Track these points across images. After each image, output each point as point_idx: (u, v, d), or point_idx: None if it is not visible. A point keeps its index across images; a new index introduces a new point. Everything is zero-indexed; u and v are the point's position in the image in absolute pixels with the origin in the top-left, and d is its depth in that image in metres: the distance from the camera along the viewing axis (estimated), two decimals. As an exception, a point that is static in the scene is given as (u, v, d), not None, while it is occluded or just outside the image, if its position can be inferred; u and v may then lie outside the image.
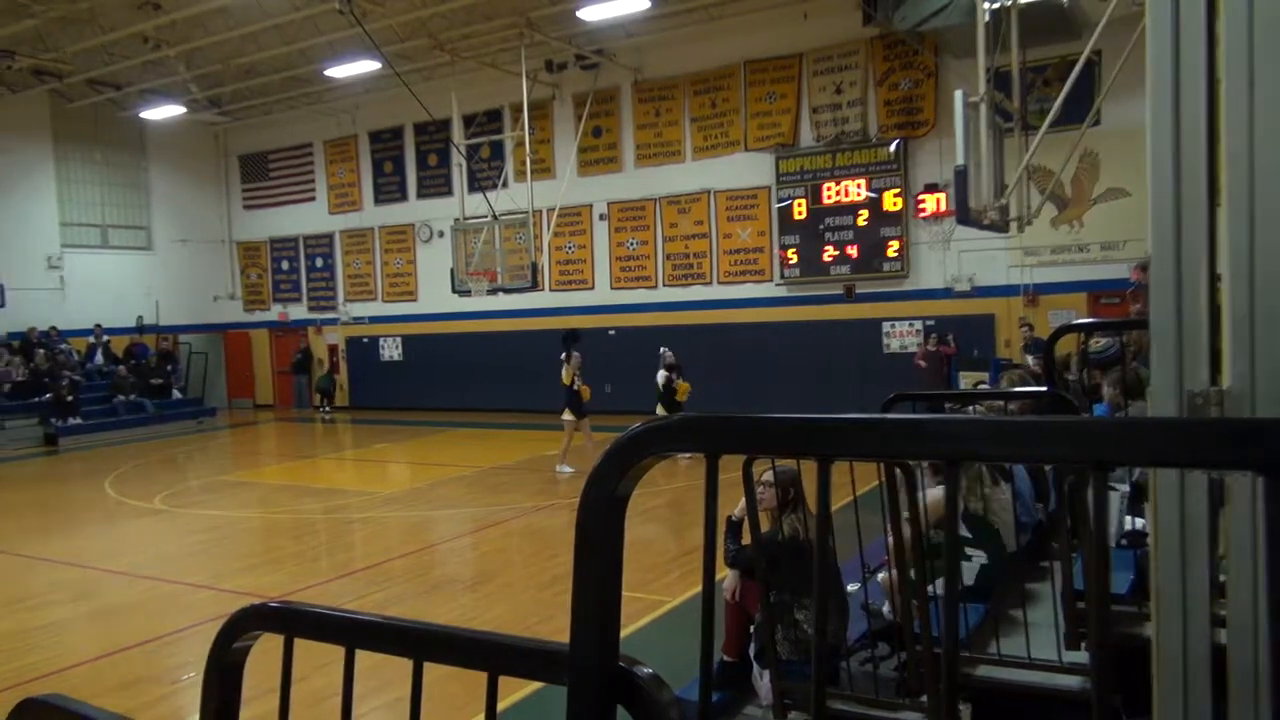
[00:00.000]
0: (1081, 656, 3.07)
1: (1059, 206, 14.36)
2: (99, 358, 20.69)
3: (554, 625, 6.26)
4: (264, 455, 17.79)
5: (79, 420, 18.50)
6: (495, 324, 19.78)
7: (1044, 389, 4.25)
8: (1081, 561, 3.24)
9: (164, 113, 20.29)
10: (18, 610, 7.58)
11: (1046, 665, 3.20)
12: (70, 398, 18.57)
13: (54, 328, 20.10)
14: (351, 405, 22.26)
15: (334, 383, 22.32)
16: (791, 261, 16.65)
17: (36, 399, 18.33)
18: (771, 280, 17.05)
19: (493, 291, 16.59)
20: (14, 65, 17.09)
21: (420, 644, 1.20)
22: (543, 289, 17.52)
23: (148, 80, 19.02)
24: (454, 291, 17.20)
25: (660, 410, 12.58)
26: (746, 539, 3.81)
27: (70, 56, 17.14)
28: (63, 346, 19.98)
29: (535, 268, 16.02)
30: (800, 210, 16.45)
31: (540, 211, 16.85)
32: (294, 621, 1.34)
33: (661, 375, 12.89)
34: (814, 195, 16.31)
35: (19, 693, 5.49)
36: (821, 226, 16.31)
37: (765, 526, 3.86)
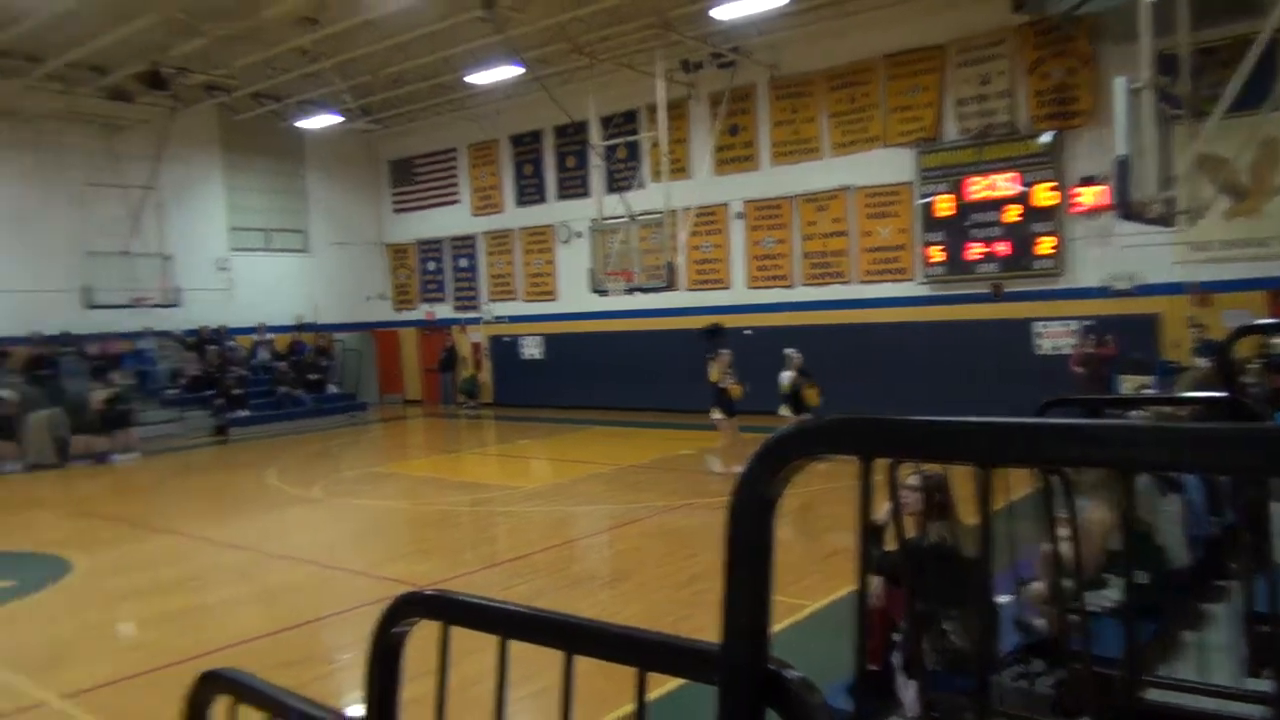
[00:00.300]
0: (1265, 684, 2.84)
1: (1234, 198, 13.35)
2: (262, 354, 22.06)
3: (692, 624, 6.27)
4: (412, 449, 18.58)
5: (245, 412, 19.79)
6: (632, 323, 20.00)
7: (1221, 394, 3.96)
8: (1264, 580, 3.01)
9: (320, 122, 21.44)
10: (192, 589, 8.17)
11: (1223, 692, 2.98)
12: (238, 391, 19.91)
13: (223, 326, 21.59)
14: (495, 402, 22.95)
15: (477, 380, 23.09)
16: (935, 260, 16.12)
17: (208, 392, 19.71)
18: (913, 279, 16.56)
19: (630, 291, 16.78)
20: (188, 82, 18.43)
21: (572, 637, 1.23)
22: (679, 289, 17.58)
23: (305, 92, 20.16)
24: (592, 291, 17.49)
25: (786, 412, 12.38)
26: (891, 546, 3.71)
27: (237, 72, 18.34)
28: (231, 344, 21.42)
29: (671, 267, 16.10)
30: (944, 206, 15.92)
31: (676, 211, 16.91)
32: (451, 609, 1.39)
33: (786, 376, 12.61)
34: (959, 191, 15.75)
35: (195, 664, 5.91)
36: (967, 223, 15.73)
37: (909, 533, 3.75)
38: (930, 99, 16.15)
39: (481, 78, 18.40)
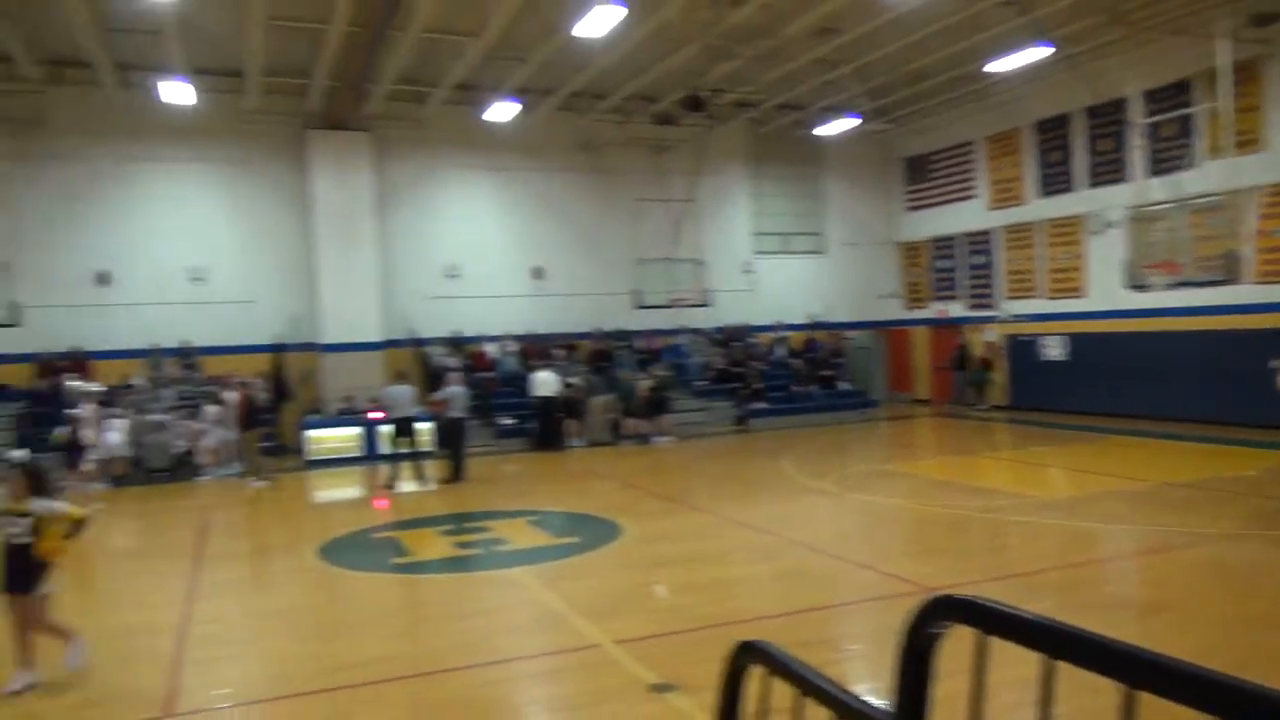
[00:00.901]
0: None
1: None
2: (779, 351, 23.41)
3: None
4: (920, 449, 18.34)
5: (763, 405, 21.17)
6: (1177, 322, 17.49)
7: None
8: None
9: (838, 127, 22.09)
10: (720, 563, 8.97)
11: None
12: (758, 385, 21.38)
13: (746, 324, 23.35)
14: (1009, 405, 21.73)
15: (989, 380, 22.05)
16: None
17: (732, 385, 21.44)
18: None
19: (1175, 286, 14.75)
20: (721, 101, 20.24)
21: (1135, 668, 1.10)
22: (1243, 282, 15.01)
23: (825, 99, 20.95)
24: (1127, 287, 15.71)
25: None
26: None
27: (764, 87, 19.68)
28: (752, 340, 23.09)
29: (1234, 257, 13.80)
30: None
31: (1242, 191, 14.43)
32: (988, 618, 1.33)
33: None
34: None
35: (720, 632, 6.49)
36: None
37: None
38: None
39: (1004, 64, 17.44)
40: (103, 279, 18.52)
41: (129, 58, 16.85)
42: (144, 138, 18.63)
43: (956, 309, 23.65)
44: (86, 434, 14.65)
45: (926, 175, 24.36)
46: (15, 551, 5.92)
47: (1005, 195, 21.94)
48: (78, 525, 6.22)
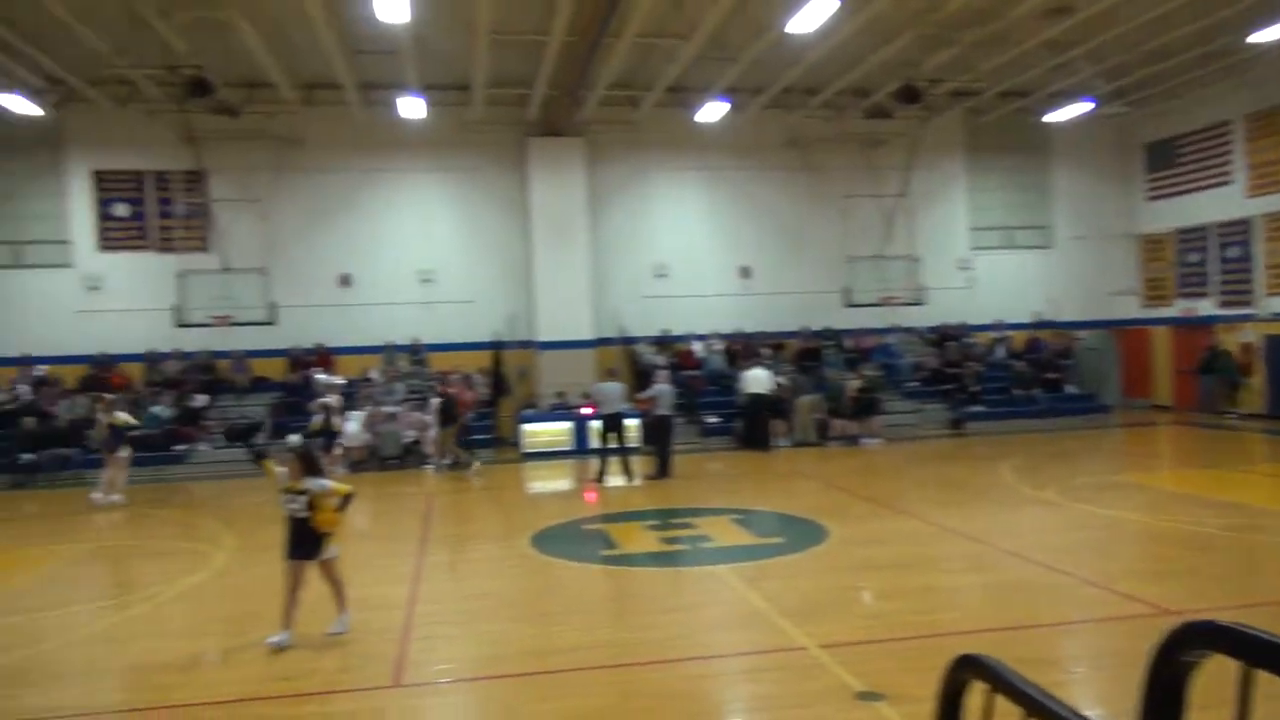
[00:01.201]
0: None
1: None
2: (999, 351, 22.14)
3: None
4: (1159, 459, 16.81)
5: (980, 407, 20.11)
6: None
7: None
8: None
9: (1067, 113, 20.60)
10: (928, 571, 8.60)
11: None
12: (975, 387, 20.34)
13: (963, 323, 22.26)
14: (1268, 414, 19.51)
15: (1243, 386, 19.88)
16: None
17: (945, 386, 20.52)
18: None
19: None
20: (938, 91, 19.36)
21: None
22: None
23: (1053, 84, 19.60)
24: None
25: None
26: None
27: (984, 75, 18.64)
28: (969, 340, 21.97)
29: None
30: None
31: None
32: (1256, 649, 1.18)
33: None
34: None
35: (933, 642, 6.23)
36: None
37: None
38: None
39: (1269, 34, 15.61)
40: (344, 281, 20.28)
41: (371, 77, 18.29)
42: (383, 150, 20.22)
43: (1206, 306, 21.50)
44: (336, 422, 16.07)
45: (1172, 160, 22.28)
46: (296, 524, 6.78)
47: (1268, 180, 19.69)
48: (346, 500, 6.99)
